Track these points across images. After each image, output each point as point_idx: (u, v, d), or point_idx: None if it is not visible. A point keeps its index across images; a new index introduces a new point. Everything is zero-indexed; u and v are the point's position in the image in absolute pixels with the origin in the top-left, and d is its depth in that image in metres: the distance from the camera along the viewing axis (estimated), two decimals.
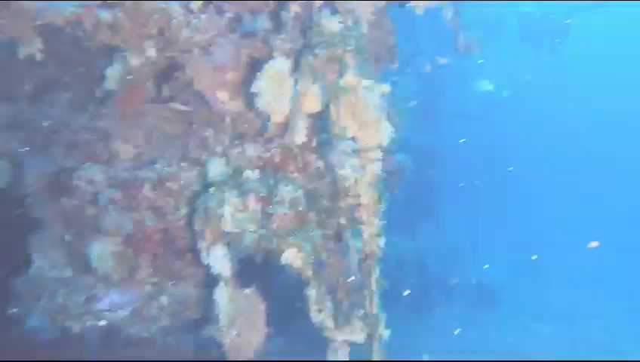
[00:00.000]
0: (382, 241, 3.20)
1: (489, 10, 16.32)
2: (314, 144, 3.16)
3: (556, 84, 27.78)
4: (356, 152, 3.05)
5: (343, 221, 3.04)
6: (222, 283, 2.97)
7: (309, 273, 2.76)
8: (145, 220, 3.16)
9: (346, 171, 2.83)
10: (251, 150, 3.08)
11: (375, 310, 3.44)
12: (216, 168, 3.11)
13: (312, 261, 2.74)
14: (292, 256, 2.62)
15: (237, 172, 2.94)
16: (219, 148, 3.31)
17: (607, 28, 28.41)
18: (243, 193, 2.74)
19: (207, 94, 3.29)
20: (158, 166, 3.36)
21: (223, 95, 3.38)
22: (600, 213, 19.68)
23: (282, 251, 2.67)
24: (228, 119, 3.49)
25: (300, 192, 2.86)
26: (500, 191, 18.75)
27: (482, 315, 12.03)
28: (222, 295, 2.95)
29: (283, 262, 2.67)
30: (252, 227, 2.71)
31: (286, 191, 2.72)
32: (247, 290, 3.07)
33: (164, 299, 3.37)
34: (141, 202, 3.12)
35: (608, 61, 31.87)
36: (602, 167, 24.76)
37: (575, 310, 11.74)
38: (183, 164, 3.49)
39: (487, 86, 16.26)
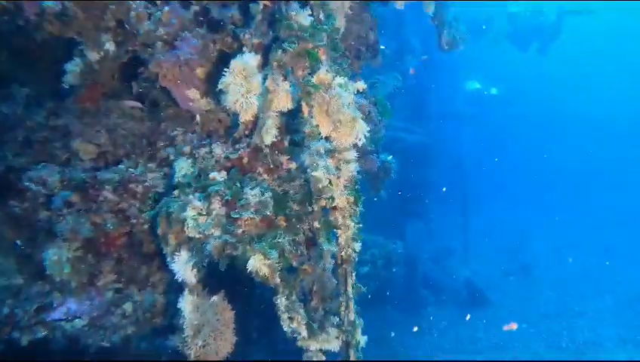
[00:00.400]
0: (358, 246, 3.03)
1: (479, 10, 16.31)
2: (286, 144, 2.99)
3: (543, 84, 27.85)
4: (330, 153, 2.88)
5: (316, 225, 2.87)
6: (186, 291, 2.79)
7: (277, 280, 2.59)
8: (106, 224, 2.97)
9: (319, 173, 2.65)
10: (219, 150, 2.89)
11: (352, 317, 3.27)
12: (183, 169, 2.92)
13: (280, 268, 2.56)
14: (257, 263, 2.45)
15: (203, 173, 2.76)
16: (186, 148, 3.12)
17: (595, 30, 28.55)
18: (207, 196, 2.56)
19: (174, 91, 3.10)
20: (122, 166, 3.17)
21: (192, 93, 3.20)
22: (588, 211, 19.73)
23: (247, 258, 2.49)
24: (198, 118, 3.31)
25: (268, 195, 2.68)
26: (489, 190, 18.78)
27: (472, 315, 11.95)
28: (186, 303, 2.77)
29: (248, 270, 2.49)
30: (216, 232, 2.53)
31: (252, 195, 2.54)
32: (214, 298, 2.89)
33: (128, 306, 3.18)
34: (101, 205, 2.92)
35: (596, 62, 32.05)
36: (591, 166, 24.88)
37: (562, 310, 11.70)
38: (150, 165, 3.31)
39: (476, 85, 16.21)
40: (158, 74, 2.97)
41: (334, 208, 2.97)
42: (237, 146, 2.85)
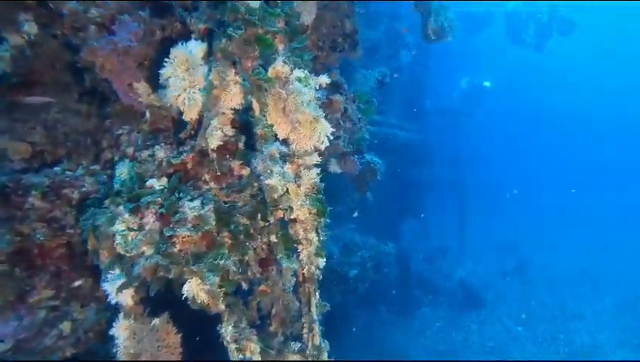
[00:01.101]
0: (322, 262, 2.63)
1: (477, 4, 15.87)
2: (241, 147, 2.58)
3: (538, 79, 27.21)
4: (288, 158, 2.47)
5: (274, 239, 2.47)
6: (121, 315, 2.40)
7: (221, 307, 2.19)
8: (36, 234, 2.58)
9: (274, 180, 2.25)
10: (162, 153, 2.49)
11: (316, 340, 2.88)
12: (123, 174, 2.52)
13: (223, 292, 2.16)
14: (194, 288, 2.06)
15: (139, 180, 2.36)
16: (130, 150, 2.72)
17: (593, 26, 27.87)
18: (137, 208, 2.17)
19: (115, 84, 2.69)
20: (58, 169, 2.77)
21: (140, 86, 2.79)
22: (586, 208, 19.24)
23: (184, 281, 2.10)
24: (147, 114, 2.90)
25: (209, 208, 2.27)
26: (486, 189, 18.31)
27: (466, 316, 11.62)
28: (120, 329, 2.38)
29: (184, 295, 2.10)
30: (147, 251, 2.14)
31: (190, 208, 2.14)
32: (156, 321, 2.50)
33: (66, 326, 2.80)
34: (28, 213, 2.54)
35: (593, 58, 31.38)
36: (591, 162, 24.35)
37: (559, 312, 11.32)
38: (93, 167, 2.91)
39: (469, 80, 15.87)
40: (96, 64, 2.57)
41: (294, 220, 2.58)
42: (181, 149, 2.44)
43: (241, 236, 2.29)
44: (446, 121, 13.67)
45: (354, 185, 5.92)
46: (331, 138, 2.45)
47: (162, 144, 2.56)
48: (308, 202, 2.52)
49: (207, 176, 2.38)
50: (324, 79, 2.53)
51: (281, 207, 2.31)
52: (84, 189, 2.68)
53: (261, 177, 2.24)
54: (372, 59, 10.58)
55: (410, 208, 13.10)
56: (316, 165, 2.58)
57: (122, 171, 2.56)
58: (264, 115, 2.27)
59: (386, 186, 12.58)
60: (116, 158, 2.84)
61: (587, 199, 20.50)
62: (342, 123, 3.91)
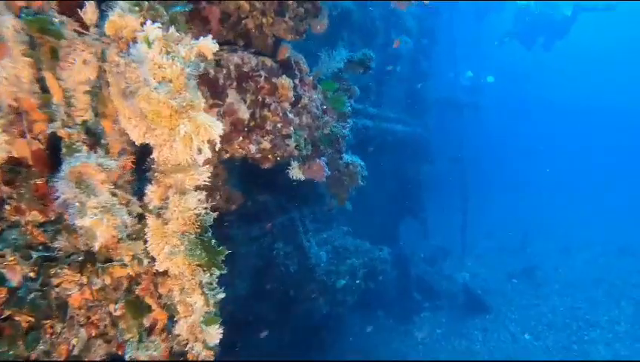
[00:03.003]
0: (215, 335, 1.62)
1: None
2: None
3: (549, 75, 25.59)
4: (153, 174, 1.46)
5: (116, 312, 1.46)
6: None
7: None
8: None
9: (87, 220, 1.24)
10: None
11: None
12: None
13: None
14: None
15: None
16: None
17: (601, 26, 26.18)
18: None
19: None
20: None
21: None
22: (600, 208, 17.85)
23: None
24: None
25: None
26: (491, 186, 17.10)
27: (469, 323, 10.57)
28: None
29: None
30: None
31: None
32: None
33: None
34: None
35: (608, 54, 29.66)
36: (604, 160, 22.84)
37: (571, 319, 10.18)
38: None
39: (471, 74, 14.72)
40: None
41: (166, 275, 1.57)
42: None
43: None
44: (449, 114, 12.52)
45: (331, 194, 4.89)
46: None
47: None
48: (185, 248, 1.50)
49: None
50: (206, 44, 1.49)
51: (115, 261, 1.29)
52: None
53: (65, 214, 1.25)
54: (368, 46, 9.47)
55: (409, 207, 12.03)
56: (196, 186, 1.56)
57: None
58: (69, 103, 1.24)
59: (384, 184, 11.55)
60: None
61: (601, 199, 19.01)
62: (293, 116, 2.87)
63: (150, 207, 1.49)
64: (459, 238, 12.73)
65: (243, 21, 2.52)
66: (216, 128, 1.48)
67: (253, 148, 2.51)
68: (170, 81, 1.37)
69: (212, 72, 2.29)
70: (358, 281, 7.70)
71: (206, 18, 2.40)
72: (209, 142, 1.47)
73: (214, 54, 1.48)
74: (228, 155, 2.60)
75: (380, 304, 11.09)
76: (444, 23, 12.46)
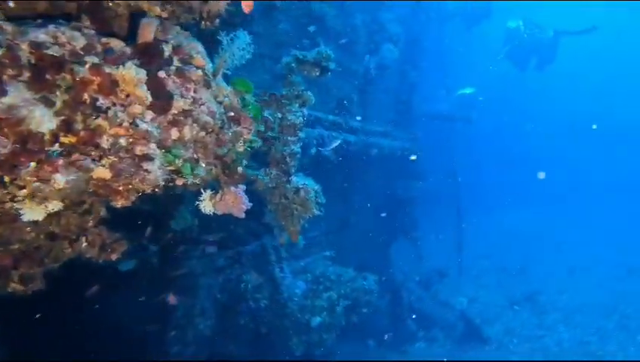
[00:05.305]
0: None
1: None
2: None
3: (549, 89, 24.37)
4: None
5: None
6: None
7: None
8: None
9: None
10: None
11: None
12: None
13: None
14: None
15: None
16: None
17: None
18: None
19: None
20: None
21: None
22: (607, 227, 16.32)
23: None
24: None
25: None
26: (488, 203, 15.80)
27: (466, 355, 9.29)
28: None
29: None
30: None
31: None
32: None
33: None
34: None
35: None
36: (612, 176, 21.35)
37: (579, 353, 8.85)
38: None
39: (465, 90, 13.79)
40: None
41: None
42: None
43: None
44: (440, 127, 11.43)
45: (279, 226, 3.78)
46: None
47: None
48: None
49: None
50: None
51: None
52: None
53: None
54: (348, 53, 8.45)
55: (401, 227, 10.86)
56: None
57: None
58: None
59: (372, 203, 10.37)
60: None
61: (605, 215, 17.44)
62: (156, 127, 1.76)
63: None
64: (455, 259, 11.48)
65: None
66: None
67: (61, 178, 1.42)
68: None
69: None
70: (336, 317, 6.52)
71: None
72: None
73: None
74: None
75: (369, 333, 9.83)
76: (434, 31, 11.48)
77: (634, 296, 10.25)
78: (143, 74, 1.58)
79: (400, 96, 10.22)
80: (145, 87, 1.58)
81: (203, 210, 2.58)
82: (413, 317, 10.15)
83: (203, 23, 2.46)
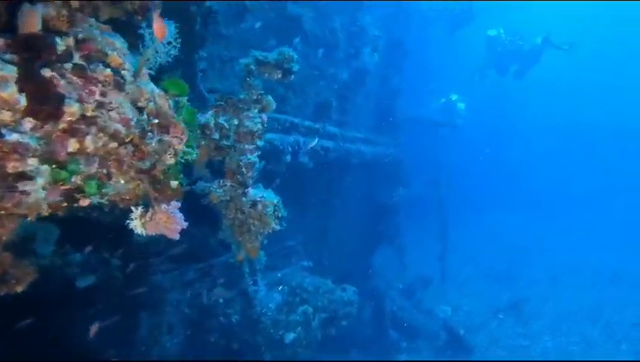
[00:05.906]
0: None
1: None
2: None
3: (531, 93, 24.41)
4: None
5: None
6: None
7: None
8: None
9: None
10: None
11: None
12: None
13: None
14: None
15: None
16: None
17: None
18: None
19: None
20: None
21: None
22: (591, 232, 16.18)
23: None
24: None
25: None
26: (472, 208, 15.60)
27: None
28: None
29: None
30: None
31: None
32: None
33: None
34: None
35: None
36: (596, 181, 21.32)
37: (564, 358, 8.64)
38: None
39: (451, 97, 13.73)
40: None
41: None
42: None
43: None
44: (423, 133, 11.21)
45: (236, 243, 3.44)
46: None
47: None
48: None
49: None
50: None
51: None
52: None
53: None
54: (327, 58, 8.16)
55: (384, 234, 10.57)
56: None
57: None
58: None
59: (353, 210, 10.05)
60: None
61: (587, 221, 17.23)
62: (36, 140, 1.41)
63: None
64: (438, 267, 11.23)
65: None
66: None
67: None
68: None
69: None
70: (312, 331, 6.17)
71: None
72: None
73: None
74: None
75: (351, 345, 9.49)
76: (416, 35, 11.26)
77: (617, 304, 10.10)
78: (9, 70, 1.24)
79: (381, 100, 9.97)
80: (13, 88, 1.25)
81: (135, 230, 2.24)
82: (395, 326, 9.85)
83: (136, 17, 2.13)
